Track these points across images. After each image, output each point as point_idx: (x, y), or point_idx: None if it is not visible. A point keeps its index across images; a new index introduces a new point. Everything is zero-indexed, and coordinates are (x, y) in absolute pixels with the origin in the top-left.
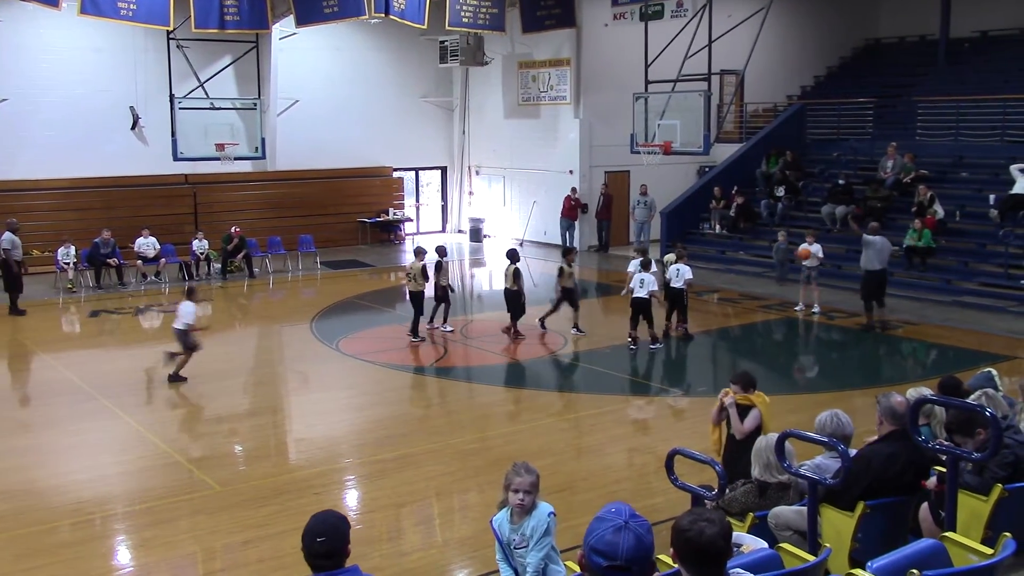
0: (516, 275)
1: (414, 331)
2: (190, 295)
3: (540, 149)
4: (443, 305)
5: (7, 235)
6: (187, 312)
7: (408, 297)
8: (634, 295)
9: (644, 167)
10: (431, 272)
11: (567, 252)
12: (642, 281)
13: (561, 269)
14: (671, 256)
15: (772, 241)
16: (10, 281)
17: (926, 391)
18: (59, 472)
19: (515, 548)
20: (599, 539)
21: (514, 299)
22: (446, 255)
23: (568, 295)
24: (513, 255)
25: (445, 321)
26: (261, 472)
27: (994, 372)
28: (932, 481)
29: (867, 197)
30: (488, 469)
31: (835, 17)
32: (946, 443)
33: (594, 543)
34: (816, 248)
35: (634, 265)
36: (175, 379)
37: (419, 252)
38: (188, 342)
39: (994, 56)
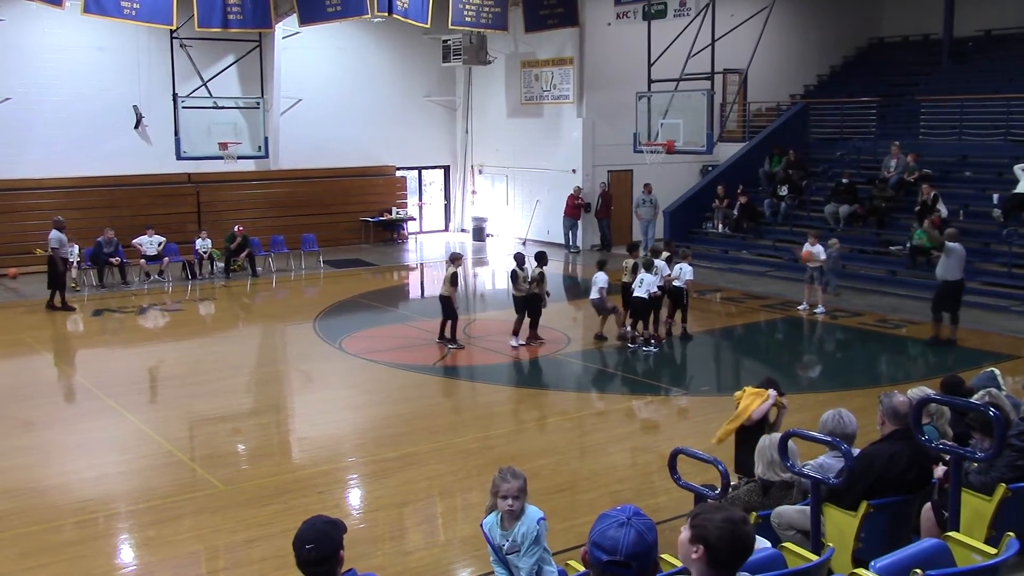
0: (541, 279)
1: (442, 336)
2: (601, 266)
3: (543, 148)
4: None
5: (54, 233)
6: (601, 279)
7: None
8: (633, 295)
9: (647, 166)
10: (508, 281)
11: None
12: (641, 280)
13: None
14: (665, 252)
15: (776, 241)
16: (55, 278)
17: (928, 390)
18: (63, 471)
19: (506, 553)
20: (601, 534)
21: (534, 303)
22: (523, 264)
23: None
24: (541, 258)
25: (515, 334)
26: (264, 471)
27: (997, 372)
28: (940, 471)
29: (871, 196)
30: (490, 468)
31: (838, 16)
32: (950, 443)
33: (596, 538)
34: (818, 249)
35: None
36: (628, 340)
37: (454, 258)
38: (606, 307)
39: (998, 55)
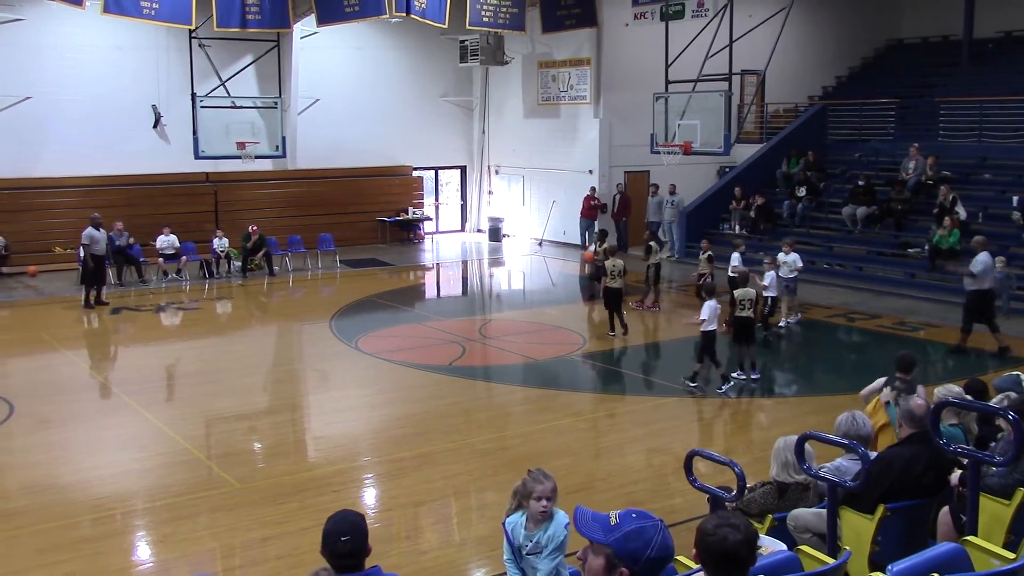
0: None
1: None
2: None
3: (560, 149)
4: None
5: (87, 230)
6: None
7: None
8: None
9: (664, 167)
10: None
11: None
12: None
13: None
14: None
15: (794, 243)
16: (87, 275)
17: (955, 388)
18: (80, 468)
19: (527, 554)
20: (661, 547)
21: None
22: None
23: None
24: (604, 235)
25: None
26: (280, 469)
27: (1022, 376)
28: (955, 477)
29: (889, 199)
30: (506, 469)
31: (857, 17)
32: (968, 447)
33: (656, 554)
34: (793, 258)
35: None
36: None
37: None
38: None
39: (1018, 56)
